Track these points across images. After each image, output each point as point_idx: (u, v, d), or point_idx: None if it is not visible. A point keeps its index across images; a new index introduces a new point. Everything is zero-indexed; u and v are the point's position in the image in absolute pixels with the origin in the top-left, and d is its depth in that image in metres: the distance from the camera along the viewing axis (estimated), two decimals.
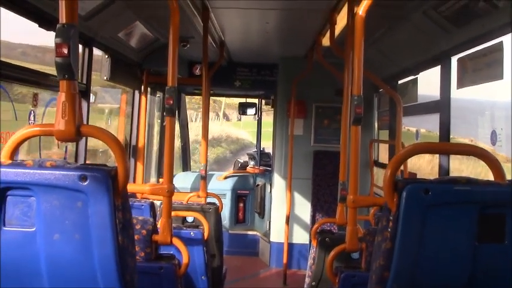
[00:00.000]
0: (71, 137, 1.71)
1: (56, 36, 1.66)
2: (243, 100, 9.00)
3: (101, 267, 1.65)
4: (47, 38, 3.43)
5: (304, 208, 7.06)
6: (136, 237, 2.88)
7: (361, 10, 2.87)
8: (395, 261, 1.73)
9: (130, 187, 3.84)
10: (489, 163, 1.82)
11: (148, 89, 6.06)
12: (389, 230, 1.76)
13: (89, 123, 4.50)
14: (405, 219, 1.72)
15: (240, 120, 37.50)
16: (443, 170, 4.32)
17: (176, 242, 3.10)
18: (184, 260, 3.11)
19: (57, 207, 1.65)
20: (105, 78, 4.94)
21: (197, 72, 7.25)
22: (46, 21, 3.39)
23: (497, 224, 1.74)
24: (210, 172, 7.99)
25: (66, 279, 1.68)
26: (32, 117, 3.78)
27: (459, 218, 1.73)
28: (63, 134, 1.71)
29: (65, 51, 1.65)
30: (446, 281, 1.75)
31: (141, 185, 4.90)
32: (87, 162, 5.09)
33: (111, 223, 1.64)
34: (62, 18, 1.67)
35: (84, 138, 4.21)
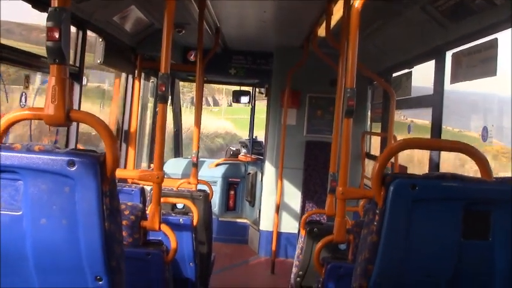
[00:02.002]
0: (61, 122, 1.70)
1: (48, 20, 1.64)
2: (237, 88, 8.99)
3: (87, 253, 1.66)
4: (34, 17, 3.38)
5: (294, 198, 7.09)
6: (124, 222, 2.88)
7: (357, 2, 2.85)
8: (380, 255, 1.74)
9: (120, 173, 3.84)
10: (477, 160, 1.83)
11: (142, 74, 6.03)
12: (375, 223, 1.77)
13: (81, 105, 4.48)
14: (391, 213, 1.73)
15: (230, 105, 36.58)
16: (433, 164, 4.35)
17: (164, 228, 3.10)
18: (172, 246, 3.12)
19: (45, 192, 1.64)
20: (98, 61, 4.90)
21: (192, 58, 7.21)
22: (40, 2, 3.36)
23: (482, 221, 1.75)
24: (201, 159, 8.00)
25: (52, 264, 1.68)
26: (23, 99, 3.75)
27: (445, 214, 1.74)
28: (53, 119, 1.70)
29: (56, 35, 1.63)
30: (430, 275, 1.77)
31: (131, 171, 4.89)
32: (79, 146, 5.08)
33: (98, 209, 1.64)
34: (54, 1, 1.65)
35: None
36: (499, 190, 1.76)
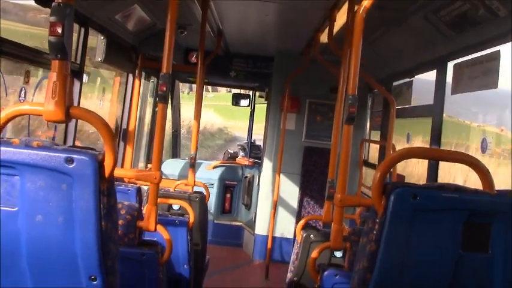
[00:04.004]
0: (60, 119, 1.68)
1: (51, 15, 1.63)
2: (237, 91, 8.97)
3: (82, 252, 1.64)
4: None
5: (290, 203, 7.07)
6: (120, 222, 2.86)
7: (361, 9, 2.85)
8: (379, 264, 1.73)
9: (118, 172, 3.81)
10: (479, 172, 1.82)
11: (143, 74, 6.01)
12: (374, 232, 1.75)
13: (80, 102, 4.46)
14: (392, 222, 1.71)
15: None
16: (432, 174, 4.34)
17: (160, 229, 3.08)
18: (167, 247, 3.09)
19: (42, 188, 1.62)
20: (99, 59, 4.89)
21: (193, 59, 7.20)
22: None
23: (482, 234, 1.74)
24: (198, 161, 7.97)
25: (46, 262, 1.66)
26: (22, 95, 3.73)
27: (445, 225, 1.73)
28: (52, 115, 1.68)
29: (59, 30, 1.62)
30: (427, 286, 1.75)
31: (129, 170, 4.87)
32: (77, 143, 5.05)
33: (95, 208, 1.62)
34: None
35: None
36: (500, 203, 1.74)
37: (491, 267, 1.74)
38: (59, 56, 1.65)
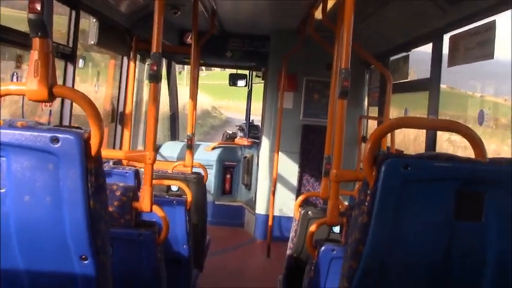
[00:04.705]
0: (43, 98, 1.66)
1: None
2: (233, 71, 8.92)
3: (72, 231, 1.63)
4: None
5: (290, 181, 7.08)
6: (116, 203, 2.86)
7: None
8: (371, 235, 1.72)
9: (109, 153, 3.80)
10: (471, 140, 1.80)
11: (138, 56, 5.97)
12: (366, 204, 1.74)
13: (75, 88, 4.43)
14: (383, 193, 1.70)
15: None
16: (430, 144, 4.32)
17: (156, 209, 3.08)
18: (164, 227, 3.10)
19: (28, 169, 1.61)
20: (92, 42, 4.84)
21: (188, 40, 7.14)
22: None
23: (475, 202, 1.73)
24: (197, 142, 7.96)
25: (36, 242, 1.66)
26: (14, 79, 3.70)
27: (437, 195, 1.72)
28: (35, 94, 1.66)
29: (38, 7, 1.59)
30: (420, 256, 1.75)
31: (118, 151, 4.83)
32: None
33: (82, 187, 1.61)
34: None
35: (70, 101, 4.15)
36: (493, 171, 1.73)
37: (484, 235, 1.73)
38: (39, 33, 1.63)
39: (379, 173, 1.70)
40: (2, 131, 1.60)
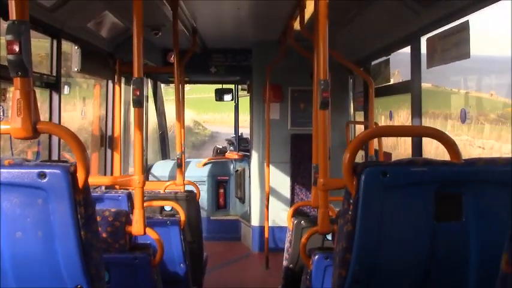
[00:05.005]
0: (28, 135, 1.70)
1: (7, 33, 1.64)
2: (219, 86, 8.98)
3: (65, 263, 1.66)
4: None
5: (283, 191, 7.12)
6: (109, 229, 2.88)
7: None
8: (357, 243, 1.77)
9: (95, 180, 3.81)
10: (446, 144, 1.85)
11: (123, 79, 6.01)
12: (350, 213, 1.79)
13: (61, 114, 4.45)
14: (364, 201, 1.75)
15: None
16: (416, 150, 4.38)
17: (150, 232, 3.10)
18: (159, 249, 3.12)
19: (18, 205, 1.64)
20: (75, 69, 4.88)
21: (171, 60, 7.19)
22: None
23: (454, 203, 1.78)
24: (188, 159, 7.99)
25: (32, 277, 1.69)
26: (0, 113, 3.72)
27: (417, 199, 1.77)
28: (19, 132, 1.70)
29: (16, 48, 1.63)
30: (406, 259, 1.79)
31: (106, 177, 4.86)
32: (64, 154, 5.05)
33: (72, 219, 1.64)
34: (12, 14, 1.65)
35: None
36: (468, 171, 1.78)
37: (466, 234, 1.78)
38: (19, 73, 1.67)
39: (360, 182, 1.75)
40: None
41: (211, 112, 32.36)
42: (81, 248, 1.67)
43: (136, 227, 2.95)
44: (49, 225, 1.65)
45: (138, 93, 2.92)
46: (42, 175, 1.63)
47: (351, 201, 1.78)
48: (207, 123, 31.69)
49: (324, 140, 3.03)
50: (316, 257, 2.87)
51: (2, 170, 1.64)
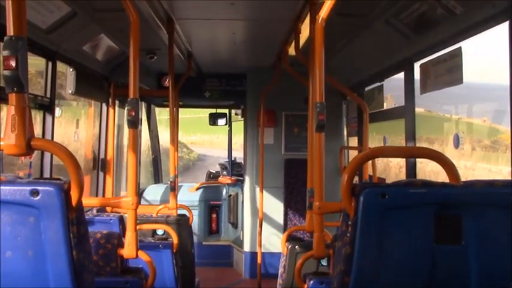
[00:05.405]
0: (21, 151, 1.68)
1: (4, 49, 1.63)
2: (213, 111, 8.99)
3: (56, 284, 1.62)
4: None
5: (276, 217, 7.06)
6: (101, 251, 2.83)
7: (319, 19, 2.90)
8: (355, 266, 1.74)
9: (89, 201, 3.77)
10: (444, 165, 1.85)
11: (117, 102, 6.00)
12: (348, 235, 1.76)
13: (54, 137, 4.42)
14: (363, 223, 1.73)
15: None
16: (410, 172, 4.38)
17: (142, 255, 3.05)
18: (151, 272, 3.06)
19: (8, 223, 1.61)
20: (70, 91, 4.87)
21: (166, 83, 7.21)
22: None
23: (454, 225, 1.76)
24: (181, 183, 7.93)
25: None
26: None
27: (416, 221, 1.75)
28: (13, 149, 1.67)
29: (13, 64, 1.62)
30: (405, 282, 1.76)
31: (99, 198, 4.81)
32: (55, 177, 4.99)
33: (64, 238, 1.61)
34: (10, 30, 1.64)
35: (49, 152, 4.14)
36: (467, 193, 1.77)
37: (466, 257, 1.76)
38: (15, 89, 1.65)
39: (358, 203, 1.73)
40: None
41: (200, 133, 31.41)
42: (72, 268, 1.62)
43: (129, 249, 2.91)
44: (40, 244, 1.61)
45: (133, 113, 2.91)
46: (34, 193, 1.59)
47: (349, 222, 1.76)
48: (194, 145, 29.96)
49: (319, 163, 3.03)
50: (311, 282, 2.83)
51: None
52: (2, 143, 1.68)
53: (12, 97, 1.67)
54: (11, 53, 1.62)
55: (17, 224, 1.61)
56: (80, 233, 1.67)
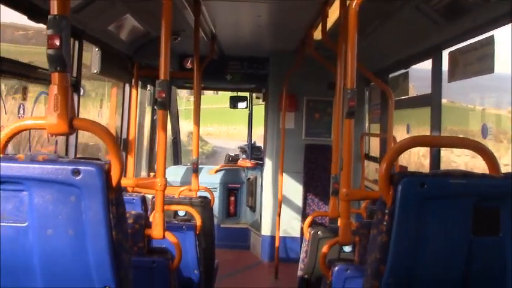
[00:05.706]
0: (64, 131, 1.69)
1: (48, 28, 1.63)
2: (234, 94, 8.98)
3: (95, 263, 1.64)
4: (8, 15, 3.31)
5: (295, 201, 7.08)
6: (129, 231, 2.86)
7: (354, 3, 2.86)
8: (391, 255, 1.73)
9: (123, 181, 3.80)
10: (484, 156, 1.82)
11: (139, 83, 6.02)
12: (384, 223, 1.76)
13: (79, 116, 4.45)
14: (401, 212, 1.72)
15: None
16: (434, 164, 4.34)
17: (169, 236, 3.08)
18: (177, 253, 3.09)
19: (50, 202, 1.62)
20: (95, 71, 4.89)
21: (188, 65, 7.21)
22: (35, 13, 3.35)
23: (492, 217, 1.75)
24: (200, 166, 7.98)
25: (60, 275, 1.66)
26: (21, 111, 3.73)
27: (454, 211, 1.74)
28: (56, 128, 1.68)
29: (57, 42, 1.62)
30: (441, 273, 1.76)
31: (132, 179, 4.86)
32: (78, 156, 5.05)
33: (105, 218, 1.62)
34: (54, 9, 1.64)
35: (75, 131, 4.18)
36: (507, 185, 1.75)
37: (502, 249, 1.74)
38: (58, 68, 1.66)
39: (396, 192, 1.72)
40: (23, 165, 1.62)
41: (217, 124, 31.09)
42: (111, 248, 1.64)
43: (157, 230, 2.94)
44: (81, 224, 1.63)
45: (163, 95, 2.92)
46: (76, 172, 1.61)
47: (386, 211, 1.75)
48: (210, 136, 29.04)
49: (348, 149, 3.01)
50: (337, 268, 2.83)
51: (35, 166, 1.62)
52: (44, 121, 1.70)
53: (55, 76, 1.67)
54: (54, 32, 1.63)
55: (58, 202, 1.62)
56: (119, 213, 1.69)
